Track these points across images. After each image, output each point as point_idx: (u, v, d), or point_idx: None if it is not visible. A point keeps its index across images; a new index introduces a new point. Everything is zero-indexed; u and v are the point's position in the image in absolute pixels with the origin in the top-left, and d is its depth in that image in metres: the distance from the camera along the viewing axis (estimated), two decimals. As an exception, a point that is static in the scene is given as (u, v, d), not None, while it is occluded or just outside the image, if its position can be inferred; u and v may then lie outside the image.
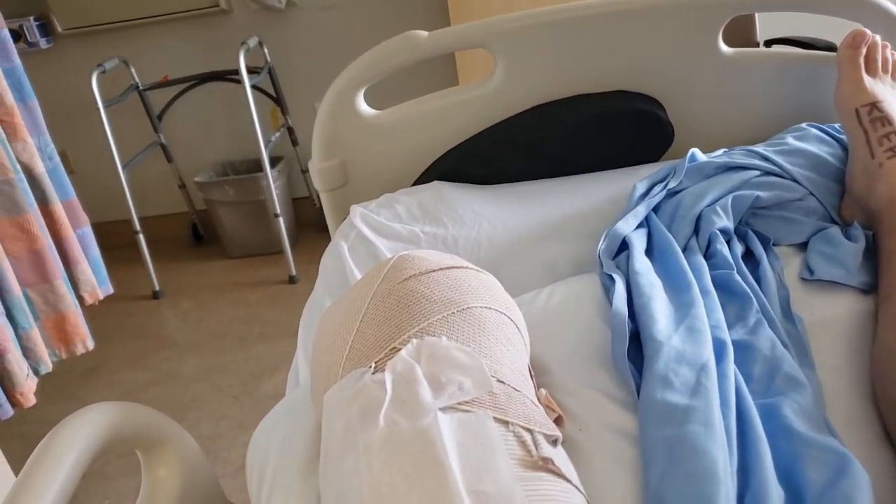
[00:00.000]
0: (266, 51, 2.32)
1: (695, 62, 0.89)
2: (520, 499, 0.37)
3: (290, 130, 2.46)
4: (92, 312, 1.46)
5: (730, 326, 0.56)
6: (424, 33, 0.87)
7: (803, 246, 0.67)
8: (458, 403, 0.41)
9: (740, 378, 0.51)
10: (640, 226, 0.71)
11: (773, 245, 0.67)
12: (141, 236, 2.26)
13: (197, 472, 0.56)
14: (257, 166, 2.35)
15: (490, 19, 0.87)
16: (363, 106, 0.93)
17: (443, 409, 0.41)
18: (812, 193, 0.71)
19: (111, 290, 1.51)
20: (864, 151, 0.68)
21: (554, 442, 0.45)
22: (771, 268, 0.63)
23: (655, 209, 0.73)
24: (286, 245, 2.28)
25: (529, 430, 0.43)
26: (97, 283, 1.46)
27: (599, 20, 0.87)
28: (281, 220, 2.25)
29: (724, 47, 0.88)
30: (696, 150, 0.78)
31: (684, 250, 0.66)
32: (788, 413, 0.47)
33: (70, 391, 1.90)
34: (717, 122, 0.90)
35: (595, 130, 0.89)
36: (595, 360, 0.55)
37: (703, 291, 0.59)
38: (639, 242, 0.67)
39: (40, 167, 1.32)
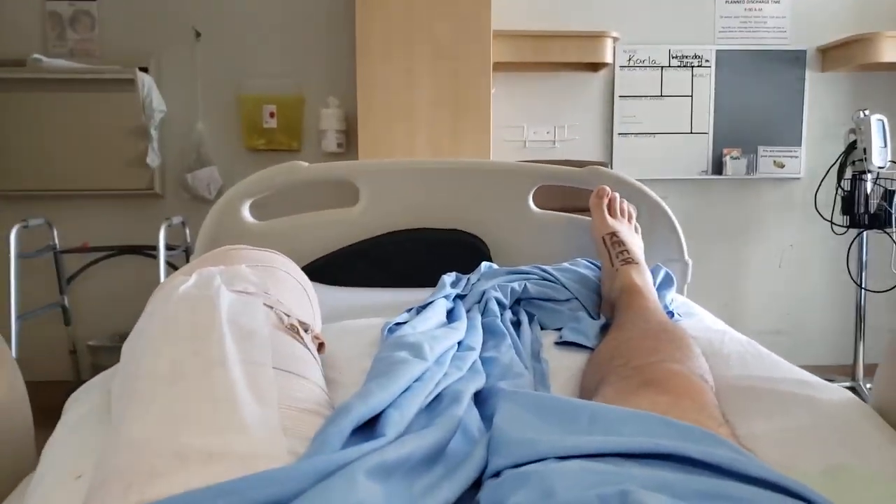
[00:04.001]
0: (188, 231, 2.54)
1: (509, 216, 1.16)
2: (265, 333, 0.52)
3: (195, 308, 2.58)
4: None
5: (484, 349, 0.74)
6: (305, 164, 1.12)
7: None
8: (240, 290, 0.56)
9: (478, 362, 0.68)
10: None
11: (542, 328, 0.87)
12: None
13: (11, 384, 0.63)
14: (153, 336, 2.41)
15: (357, 161, 1.14)
16: (247, 215, 1.13)
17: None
18: (576, 297, 0.93)
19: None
20: (608, 263, 0.96)
21: (306, 330, 0.59)
22: (530, 329, 0.84)
23: (461, 295, 0.94)
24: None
25: (288, 315, 0.58)
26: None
27: (439, 174, 1.15)
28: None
29: (533, 207, 1.16)
30: (489, 263, 1.04)
31: (468, 311, 0.86)
32: (503, 385, 0.63)
33: None
34: (525, 258, 1.14)
35: (430, 254, 1.12)
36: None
37: (472, 327, 0.78)
38: (440, 306, 0.86)
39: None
